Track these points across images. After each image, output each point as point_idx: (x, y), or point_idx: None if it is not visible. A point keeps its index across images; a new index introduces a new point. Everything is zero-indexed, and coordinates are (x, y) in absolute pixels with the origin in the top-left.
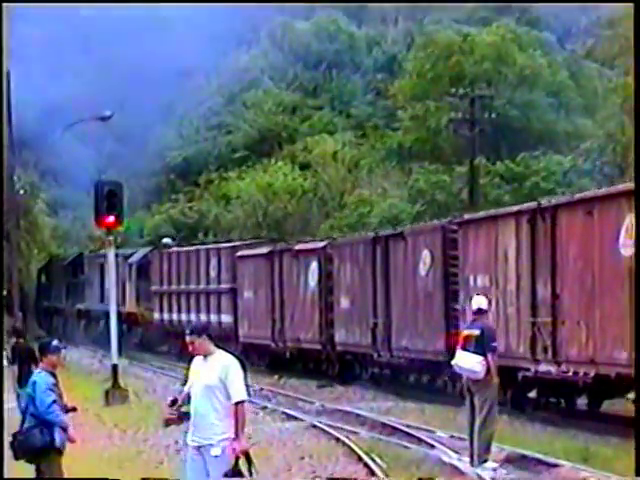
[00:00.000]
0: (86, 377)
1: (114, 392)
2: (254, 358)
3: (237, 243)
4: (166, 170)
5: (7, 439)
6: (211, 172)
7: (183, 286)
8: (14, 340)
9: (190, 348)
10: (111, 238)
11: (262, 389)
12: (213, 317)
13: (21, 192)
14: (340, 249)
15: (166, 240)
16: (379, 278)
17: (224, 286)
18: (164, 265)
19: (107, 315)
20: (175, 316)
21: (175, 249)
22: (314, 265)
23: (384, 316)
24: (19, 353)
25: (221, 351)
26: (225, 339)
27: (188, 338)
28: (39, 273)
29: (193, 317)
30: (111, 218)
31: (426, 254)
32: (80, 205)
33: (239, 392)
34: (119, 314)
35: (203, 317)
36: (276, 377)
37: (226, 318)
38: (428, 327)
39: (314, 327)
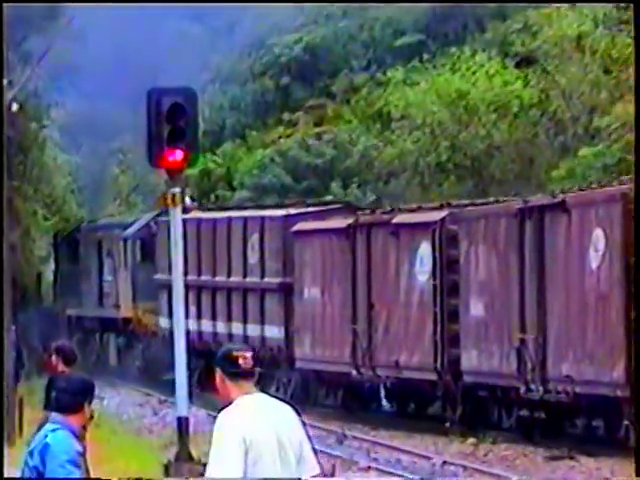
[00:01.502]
0: (133, 439)
1: (181, 465)
2: (320, 394)
3: (293, 210)
4: (275, 69)
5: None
6: (355, 72)
7: (205, 277)
8: None
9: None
10: (176, 191)
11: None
12: (252, 329)
13: (14, 107)
14: (469, 224)
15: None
16: (528, 270)
17: (271, 280)
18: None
19: (104, 326)
20: (192, 325)
21: (193, 215)
22: (425, 248)
23: (536, 329)
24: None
25: (261, 394)
26: (271, 363)
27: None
28: (55, 252)
29: (221, 328)
30: (177, 154)
31: (598, 235)
32: (121, 129)
33: (312, 463)
34: (112, 322)
35: (236, 328)
36: (364, 428)
37: (273, 331)
38: (601, 346)
39: (425, 345)
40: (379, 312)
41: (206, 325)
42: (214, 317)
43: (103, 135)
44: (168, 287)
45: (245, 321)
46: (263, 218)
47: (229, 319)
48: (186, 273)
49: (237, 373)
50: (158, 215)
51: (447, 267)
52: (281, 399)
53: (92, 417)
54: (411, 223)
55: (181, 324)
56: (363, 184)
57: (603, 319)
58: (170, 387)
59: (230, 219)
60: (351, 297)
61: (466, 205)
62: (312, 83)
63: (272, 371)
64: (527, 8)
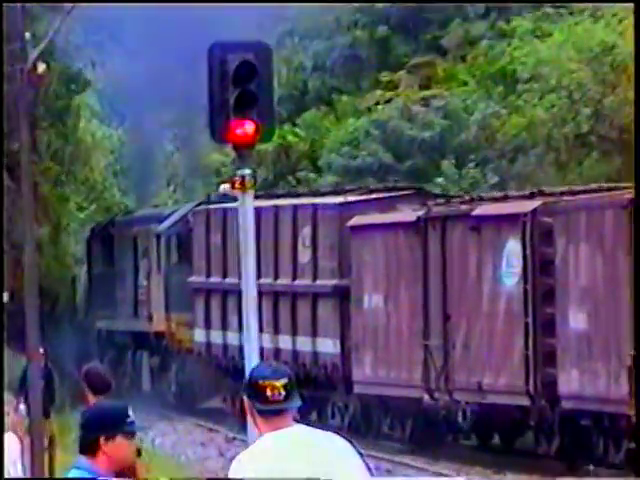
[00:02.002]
0: None
1: None
2: (384, 423)
3: (351, 198)
4: (369, 17)
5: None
6: (471, 21)
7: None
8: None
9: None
10: (246, 173)
11: None
12: (302, 342)
13: (41, 68)
14: (568, 217)
15: (225, 187)
16: None
17: (324, 282)
18: (215, 236)
19: (137, 342)
20: (233, 338)
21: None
22: (513, 246)
23: None
24: None
25: (298, 428)
26: (325, 384)
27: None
28: (88, 251)
29: (266, 342)
30: (246, 126)
31: None
32: (175, 96)
33: None
34: (145, 337)
35: (284, 342)
36: (439, 465)
37: (327, 345)
38: None
39: (514, 364)
40: (457, 324)
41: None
42: (259, 328)
43: (153, 104)
44: (205, 292)
45: (294, 333)
46: (316, 207)
47: (276, 331)
48: (225, 271)
49: (264, 409)
50: (198, 205)
51: (540, 269)
52: (333, 430)
53: (139, 453)
54: (496, 215)
55: (253, 339)
56: (482, 163)
57: None
58: (214, 416)
59: (277, 208)
60: (422, 306)
61: (563, 193)
62: (416, 35)
63: (326, 393)
64: None
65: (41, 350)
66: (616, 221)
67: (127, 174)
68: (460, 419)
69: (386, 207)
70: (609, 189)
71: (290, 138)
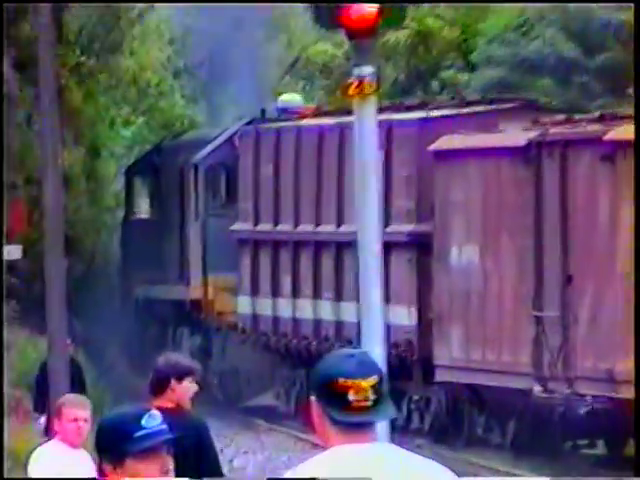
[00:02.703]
0: None
1: None
2: (478, 423)
3: (436, 113)
4: None
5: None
6: None
7: (305, 226)
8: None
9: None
10: (366, 72)
11: None
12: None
13: None
14: None
15: (287, 97)
16: None
17: (396, 228)
18: (265, 167)
19: (178, 314)
20: (285, 309)
21: (292, 123)
22: None
23: None
24: None
25: (380, 447)
26: (398, 370)
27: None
28: (127, 187)
29: (326, 313)
30: (364, 6)
31: None
32: None
33: None
34: (182, 306)
35: (347, 311)
36: None
37: (400, 315)
38: None
39: None
40: (581, 289)
41: (302, 306)
42: (316, 293)
43: None
44: (252, 245)
45: (356, 298)
46: (390, 125)
47: (338, 297)
48: (277, 214)
49: (344, 419)
50: (249, 123)
51: None
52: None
53: (166, 472)
54: (628, 141)
55: (375, 314)
56: None
57: None
58: (267, 415)
59: (340, 128)
60: (533, 264)
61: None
62: None
63: (399, 383)
64: None
65: (67, 340)
66: None
67: (195, 74)
68: (584, 419)
69: (485, 125)
70: None
71: (430, 23)
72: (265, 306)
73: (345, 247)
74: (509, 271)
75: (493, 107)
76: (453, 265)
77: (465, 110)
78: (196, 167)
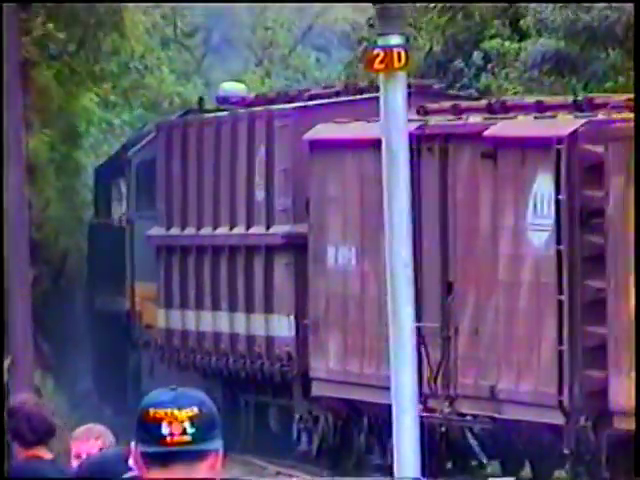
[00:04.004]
0: None
1: None
2: (357, 443)
3: (315, 102)
4: None
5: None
6: None
7: (213, 229)
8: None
9: None
10: (394, 43)
11: None
12: (257, 323)
13: None
14: (626, 143)
15: (229, 86)
16: None
17: (277, 230)
18: (175, 164)
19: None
20: (193, 321)
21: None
22: (543, 185)
23: None
24: None
25: None
26: (279, 388)
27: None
28: (96, 188)
29: (223, 324)
30: None
31: None
32: None
33: None
34: (117, 317)
35: (239, 323)
36: None
37: (282, 326)
38: None
39: (542, 362)
40: (462, 298)
41: (223, 321)
42: (215, 304)
43: None
44: (165, 250)
45: (249, 309)
46: (271, 115)
47: (232, 307)
48: (169, 225)
49: (154, 450)
50: (186, 113)
51: (584, 221)
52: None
53: None
54: (518, 138)
55: (405, 332)
56: None
57: None
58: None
59: (235, 119)
60: (411, 268)
61: (621, 106)
62: None
63: (284, 400)
64: None
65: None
66: None
67: (187, 45)
68: (470, 440)
69: (371, 114)
70: None
71: None
72: (176, 319)
73: (236, 250)
74: (386, 275)
75: (375, 94)
76: (329, 267)
77: (342, 99)
78: (129, 162)
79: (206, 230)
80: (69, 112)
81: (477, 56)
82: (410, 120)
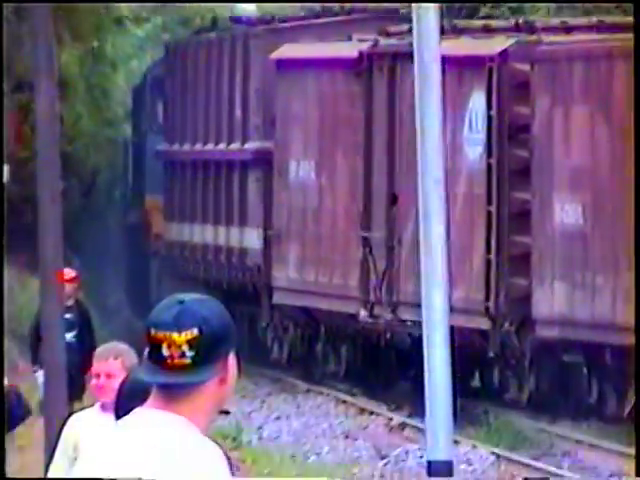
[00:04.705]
0: None
1: None
2: (317, 350)
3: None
4: None
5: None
6: None
7: (204, 145)
8: None
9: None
10: None
11: None
12: (233, 235)
13: None
14: (553, 64)
15: (242, 6)
16: None
17: (251, 146)
18: (179, 83)
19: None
20: (199, 235)
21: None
22: (477, 101)
23: None
24: None
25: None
26: (251, 298)
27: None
28: (135, 101)
29: (221, 239)
30: None
31: None
32: None
33: None
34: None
35: (221, 235)
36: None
37: (252, 238)
38: None
39: (472, 271)
40: (405, 210)
41: (197, 231)
42: (205, 218)
43: None
44: (170, 165)
45: (229, 222)
46: (248, 36)
47: (216, 221)
48: (171, 141)
49: (151, 378)
50: (198, 32)
51: (512, 136)
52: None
53: None
54: (455, 57)
55: (436, 251)
56: None
57: None
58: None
59: (221, 41)
60: (363, 181)
61: (554, 29)
62: None
63: (254, 309)
64: None
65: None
66: (630, 77)
67: None
68: (408, 345)
69: (336, 35)
70: (617, 27)
71: None
72: (175, 231)
73: (215, 165)
74: (342, 189)
75: (345, 17)
76: (291, 182)
77: (318, 21)
78: (145, 79)
79: (198, 146)
80: (100, 27)
81: None
82: (362, 40)
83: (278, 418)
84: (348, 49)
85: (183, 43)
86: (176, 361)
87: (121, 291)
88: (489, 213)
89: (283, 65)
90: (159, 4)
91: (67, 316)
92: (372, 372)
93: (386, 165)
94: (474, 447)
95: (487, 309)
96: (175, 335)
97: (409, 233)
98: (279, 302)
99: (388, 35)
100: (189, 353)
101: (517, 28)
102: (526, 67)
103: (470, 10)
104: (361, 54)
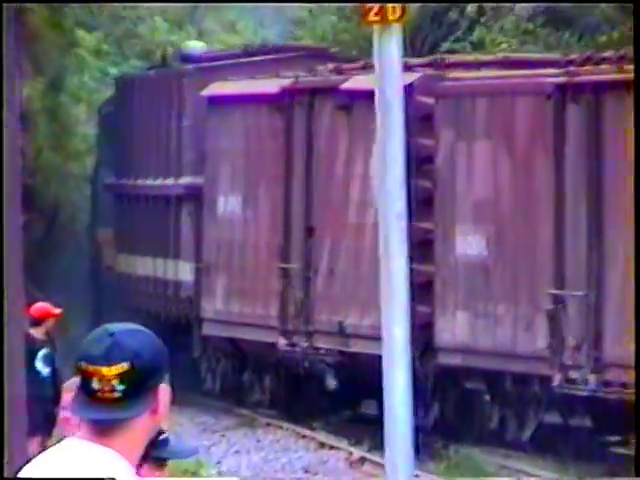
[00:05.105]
0: None
1: None
2: (243, 379)
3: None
4: None
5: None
6: None
7: (145, 179)
8: None
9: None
10: None
11: None
12: (170, 268)
13: None
14: (457, 100)
15: (191, 44)
16: (573, 184)
17: (184, 181)
18: (123, 116)
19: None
20: (141, 267)
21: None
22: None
23: (586, 282)
24: None
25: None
26: (185, 327)
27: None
28: (101, 130)
29: (159, 271)
30: None
31: None
32: None
33: None
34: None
35: (161, 268)
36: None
37: (184, 273)
38: None
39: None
40: (320, 241)
41: (140, 263)
42: (146, 251)
43: None
44: (113, 197)
45: (166, 255)
46: (182, 74)
47: (156, 253)
48: (139, 165)
49: (83, 413)
50: (150, 69)
51: (417, 169)
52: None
53: None
54: (369, 91)
55: (398, 286)
56: None
57: None
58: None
59: (162, 77)
60: (283, 214)
61: (466, 64)
62: None
63: (188, 339)
64: None
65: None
66: (535, 111)
67: None
68: (326, 372)
69: (266, 72)
70: (521, 62)
71: None
72: (123, 263)
73: (155, 199)
74: (264, 222)
75: (275, 56)
76: (219, 216)
77: (250, 59)
78: (99, 113)
79: (140, 180)
80: (62, 59)
81: (471, 10)
82: (284, 77)
83: (237, 452)
84: (271, 85)
85: (131, 79)
86: (106, 395)
87: (83, 323)
88: None
89: (213, 102)
90: (121, 36)
91: (44, 351)
92: (295, 401)
93: (304, 198)
94: None
95: None
96: (105, 369)
97: (324, 263)
98: (208, 333)
99: (340, 72)
100: (119, 387)
101: (431, 64)
102: (431, 100)
103: (431, 45)
104: (283, 90)
